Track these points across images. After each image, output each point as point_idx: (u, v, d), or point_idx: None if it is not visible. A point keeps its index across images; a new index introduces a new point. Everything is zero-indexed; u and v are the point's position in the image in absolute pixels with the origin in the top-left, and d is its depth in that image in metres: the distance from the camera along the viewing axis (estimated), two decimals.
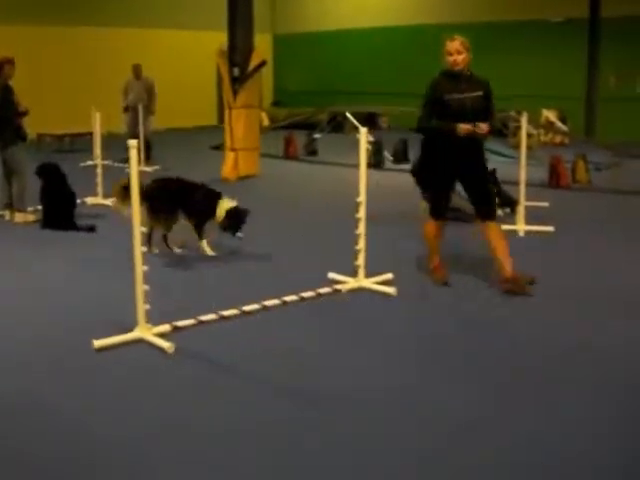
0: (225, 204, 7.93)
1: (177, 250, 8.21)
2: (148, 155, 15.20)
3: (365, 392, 4.82)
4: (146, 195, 7.42)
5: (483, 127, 6.54)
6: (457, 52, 6.60)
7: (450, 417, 4.47)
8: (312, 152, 17.36)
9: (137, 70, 15.98)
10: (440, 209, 7.04)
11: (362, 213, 6.80)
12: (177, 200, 8.06)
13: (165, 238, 8.18)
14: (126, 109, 15.87)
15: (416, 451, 4.08)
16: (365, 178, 6.83)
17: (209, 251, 8.08)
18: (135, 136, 15.45)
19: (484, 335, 5.81)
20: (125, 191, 7.22)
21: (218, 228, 8.01)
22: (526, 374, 5.10)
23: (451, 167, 6.79)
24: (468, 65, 6.69)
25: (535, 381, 4.98)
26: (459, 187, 9.62)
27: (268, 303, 6.40)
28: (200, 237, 8.09)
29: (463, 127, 6.51)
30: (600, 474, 3.86)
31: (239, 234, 7.92)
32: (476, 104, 6.67)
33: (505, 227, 9.07)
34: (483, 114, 6.67)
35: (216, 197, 8.05)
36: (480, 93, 6.71)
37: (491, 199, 7.03)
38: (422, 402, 4.67)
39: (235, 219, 7.90)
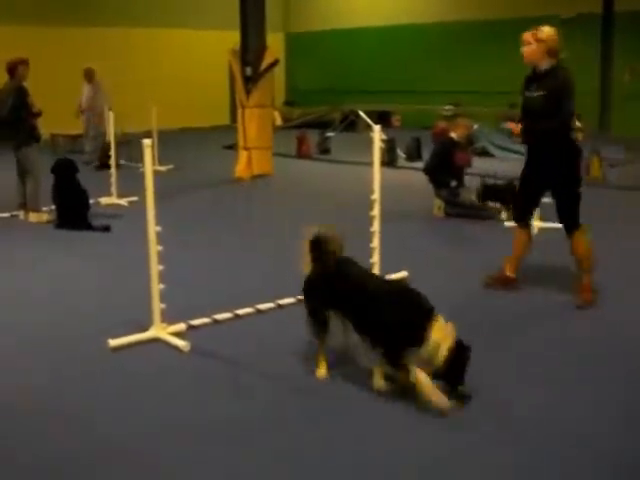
0: (443, 332, 4.46)
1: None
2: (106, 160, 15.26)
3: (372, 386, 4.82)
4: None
5: (511, 125, 6.30)
6: (526, 42, 6.10)
7: (452, 417, 4.44)
8: (325, 151, 17.36)
9: (88, 74, 15.68)
10: (516, 211, 6.79)
11: (376, 211, 6.78)
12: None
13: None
14: (82, 112, 15.71)
15: (415, 451, 4.08)
16: (379, 176, 6.81)
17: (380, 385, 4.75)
18: (86, 140, 15.62)
19: (497, 334, 5.81)
20: (314, 247, 5.19)
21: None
22: (531, 374, 5.09)
23: (528, 170, 6.41)
24: (543, 60, 6.05)
25: (537, 381, 4.97)
26: (469, 182, 9.56)
27: (283, 302, 6.41)
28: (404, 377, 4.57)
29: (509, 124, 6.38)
30: (600, 474, 3.83)
31: (465, 395, 4.55)
32: (537, 105, 6.10)
33: None
34: (547, 116, 6.04)
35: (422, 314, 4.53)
36: (543, 93, 6.06)
37: (570, 212, 6.33)
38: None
39: (456, 363, 4.46)
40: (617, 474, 3.85)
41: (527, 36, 6.03)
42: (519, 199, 6.66)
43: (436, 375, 4.45)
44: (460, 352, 4.45)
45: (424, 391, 4.41)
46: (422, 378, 4.42)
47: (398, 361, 4.52)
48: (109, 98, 15.66)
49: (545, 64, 6.05)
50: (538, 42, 5.98)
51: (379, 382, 4.74)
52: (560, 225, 6.46)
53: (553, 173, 6.21)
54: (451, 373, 4.45)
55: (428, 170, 10.26)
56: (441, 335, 4.42)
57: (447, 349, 4.39)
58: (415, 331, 4.42)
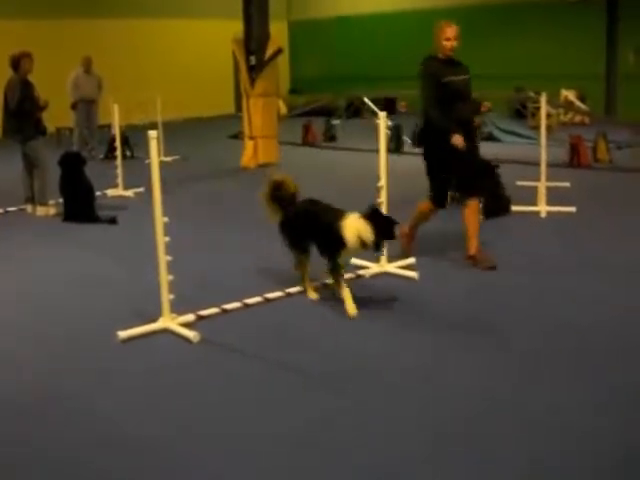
0: (355, 223, 5.95)
1: None
2: (92, 149, 15.27)
3: (386, 376, 4.83)
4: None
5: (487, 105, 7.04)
6: (455, 38, 6.91)
7: (455, 408, 4.45)
8: (331, 138, 17.34)
9: (88, 63, 15.36)
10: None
11: (383, 197, 6.78)
12: None
13: None
14: (74, 105, 15.34)
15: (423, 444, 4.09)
16: (385, 163, 6.81)
17: None
18: (89, 131, 15.47)
19: (505, 320, 5.81)
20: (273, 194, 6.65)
21: None
22: (539, 371, 5.07)
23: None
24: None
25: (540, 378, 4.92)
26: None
27: (291, 290, 6.41)
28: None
29: (457, 139, 6.73)
30: (600, 474, 3.76)
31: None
32: (469, 86, 7.09)
33: (527, 208, 9.06)
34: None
35: None
36: (468, 76, 7.07)
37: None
38: (440, 390, 4.69)
39: (381, 229, 6.00)
40: (617, 473, 3.84)
41: (458, 33, 6.92)
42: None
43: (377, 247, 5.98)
44: (377, 219, 5.91)
45: (345, 299, 5.89)
46: (345, 292, 5.92)
47: (335, 264, 5.99)
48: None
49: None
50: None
51: (312, 294, 6.30)
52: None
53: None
54: (381, 236, 5.90)
55: None
56: (355, 225, 5.84)
57: (365, 230, 5.81)
58: (336, 234, 5.87)
